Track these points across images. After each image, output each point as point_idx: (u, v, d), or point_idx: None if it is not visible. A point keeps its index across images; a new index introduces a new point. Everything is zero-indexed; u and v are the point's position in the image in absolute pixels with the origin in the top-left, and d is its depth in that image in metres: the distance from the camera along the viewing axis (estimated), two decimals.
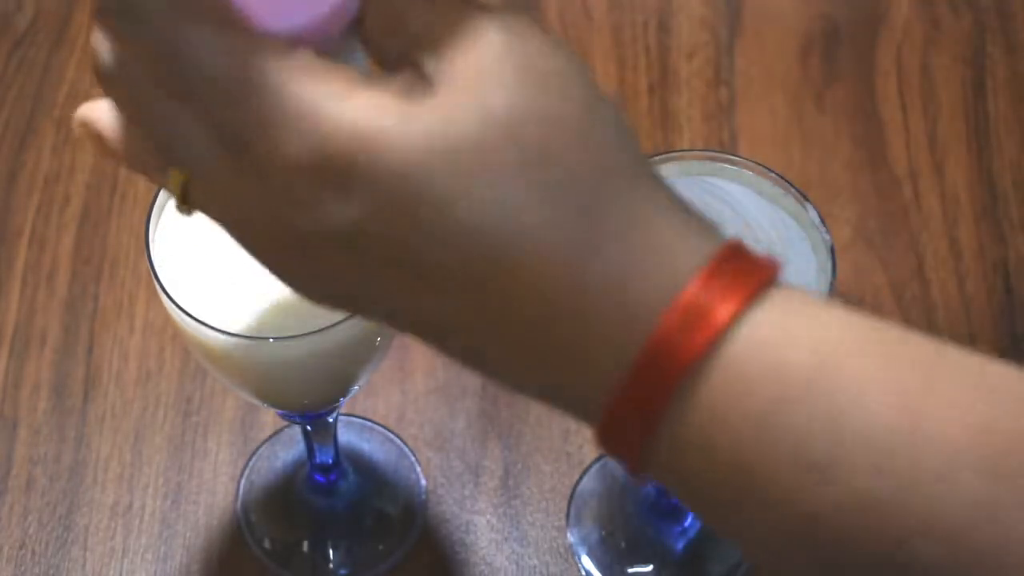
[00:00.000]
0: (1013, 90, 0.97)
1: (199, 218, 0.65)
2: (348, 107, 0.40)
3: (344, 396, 0.71)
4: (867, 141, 0.95)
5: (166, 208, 0.65)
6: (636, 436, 0.40)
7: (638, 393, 0.40)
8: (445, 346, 0.43)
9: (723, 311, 0.39)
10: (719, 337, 0.39)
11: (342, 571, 0.82)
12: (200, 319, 0.61)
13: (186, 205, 0.45)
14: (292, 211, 0.41)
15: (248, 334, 0.61)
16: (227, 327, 0.61)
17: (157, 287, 0.62)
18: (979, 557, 0.38)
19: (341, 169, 0.40)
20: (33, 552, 0.81)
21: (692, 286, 0.39)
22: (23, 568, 0.80)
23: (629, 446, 0.41)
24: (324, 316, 0.62)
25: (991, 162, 0.94)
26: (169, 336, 0.87)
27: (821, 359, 0.39)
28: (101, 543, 0.81)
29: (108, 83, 0.44)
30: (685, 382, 0.39)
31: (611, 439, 0.41)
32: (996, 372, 0.40)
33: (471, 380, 0.86)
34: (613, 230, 0.40)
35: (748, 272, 0.40)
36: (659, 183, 0.42)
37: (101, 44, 0.44)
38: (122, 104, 0.44)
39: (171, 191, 0.45)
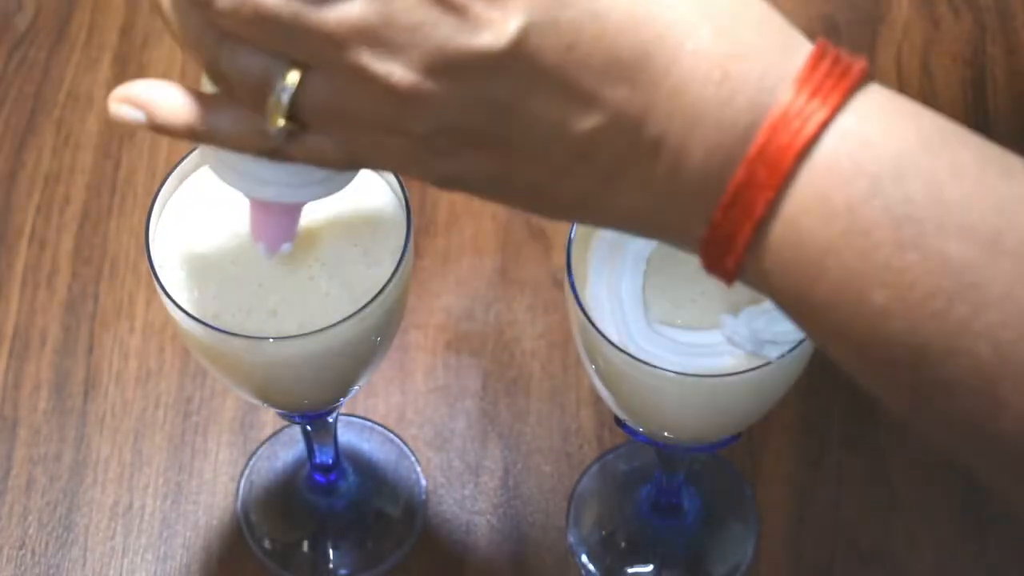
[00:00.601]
0: (1013, 90, 0.97)
1: (200, 216, 0.65)
2: None
3: (344, 396, 0.71)
4: None
5: (166, 208, 0.65)
6: (739, 242, 0.44)
7: (744, 193, 0.43)
8: (562, 185, 0.46)
9: (818, 116, 0.43)
10: (815, 140, 0.43)
11: (342, 571, 0.82)
12: (201, 319, 0.61)
13: (291, 121, 0.46)
14: (453, 35, 0.43)
15: (248, 334, 0.61)
16: (227, 327, 0.61)
17: (157, 287, 0.62)
18: None
19: None
20: (33, 552, 0.81)
21: (787, 95, 0.43)
22: (23, 568, 0.80)
23: (730, 254, 0.45)
24: (324, 316, 0.62)
25: None
26: (169, 336, 0.87)
27: (919, 146, 0.43)
28: (101, 543, 0.81)
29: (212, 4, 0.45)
30: (787, 181, 0.43)
31: (714, 246, 0.45)
32: None
33: (471, 380, 0.86)
34: (737, 25, 0.44)
35: (840, 75, 0.43)
36: None
37: None
38: (232, 12, 0.45)
39: (276, 111, 0.46)
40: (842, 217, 0.42)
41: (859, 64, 0.44)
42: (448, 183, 0.48)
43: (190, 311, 0.61)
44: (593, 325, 0.61)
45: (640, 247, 0.63)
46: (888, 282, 0.42)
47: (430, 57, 0.44)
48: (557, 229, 0.91)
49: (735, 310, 0.61)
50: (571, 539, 0.82)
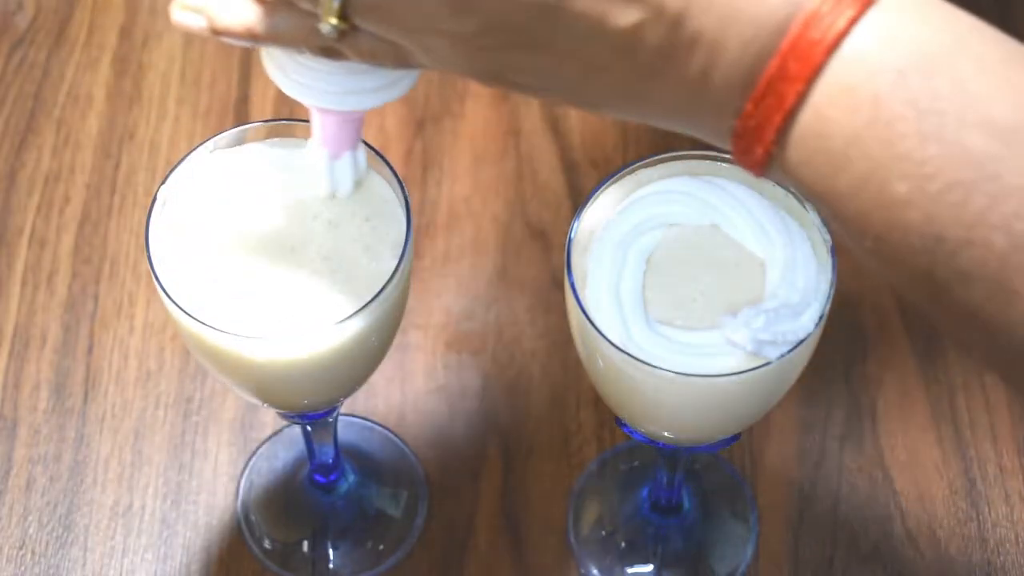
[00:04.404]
0: None
1: (200, 216, 0.65)
2: None
3: (344, 396, 0.71)
4: None
5: (166, 208, 0.65)
6: (769, 133, 0.46)
7: (776, 85, 0.45)
8: (603, 81, 0.48)
9: (849, 12, 0.44)
10: (845, 35, 0.44)
11: (342, 571, 0.82)
12: (200, 319, 0.61)
13: (343, 20, 0.49)
14: None
15: (248, 334, 0.61)
16: (227, 327, 0.61)
17: (157, 287, 0.62)
18: None
19: None
20: (33, 552, 0.81)
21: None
22: (23, 568, 0.80)
23: (759, 144, 0.46)
24: (324, 315, 0.62)
25: None
26: (169, 336, 0.87)
27: (945, 42, 0.44)
28: (101, 543, 0.81)
29: None
30: (817, 74, 0.45)
31: (745, 137, 0.46)
32: None
33: (471, 380, 0.86)
34: None
35: None
36: None
37: None
38: None
39: (329, 11, 0.49)
40: (867, 109, 0.44)
41: None
42: (491, 79, 0.50)
43: (190, 311, 0.61)
44: (593, 325, 0.61)
45: (640, 247, 0.63)
46: (909, 173, 0.43)
47: None
48: (557, 229, 0.91)
49: (735, 310, 0.61)
50: (571, 539, 0.82)
